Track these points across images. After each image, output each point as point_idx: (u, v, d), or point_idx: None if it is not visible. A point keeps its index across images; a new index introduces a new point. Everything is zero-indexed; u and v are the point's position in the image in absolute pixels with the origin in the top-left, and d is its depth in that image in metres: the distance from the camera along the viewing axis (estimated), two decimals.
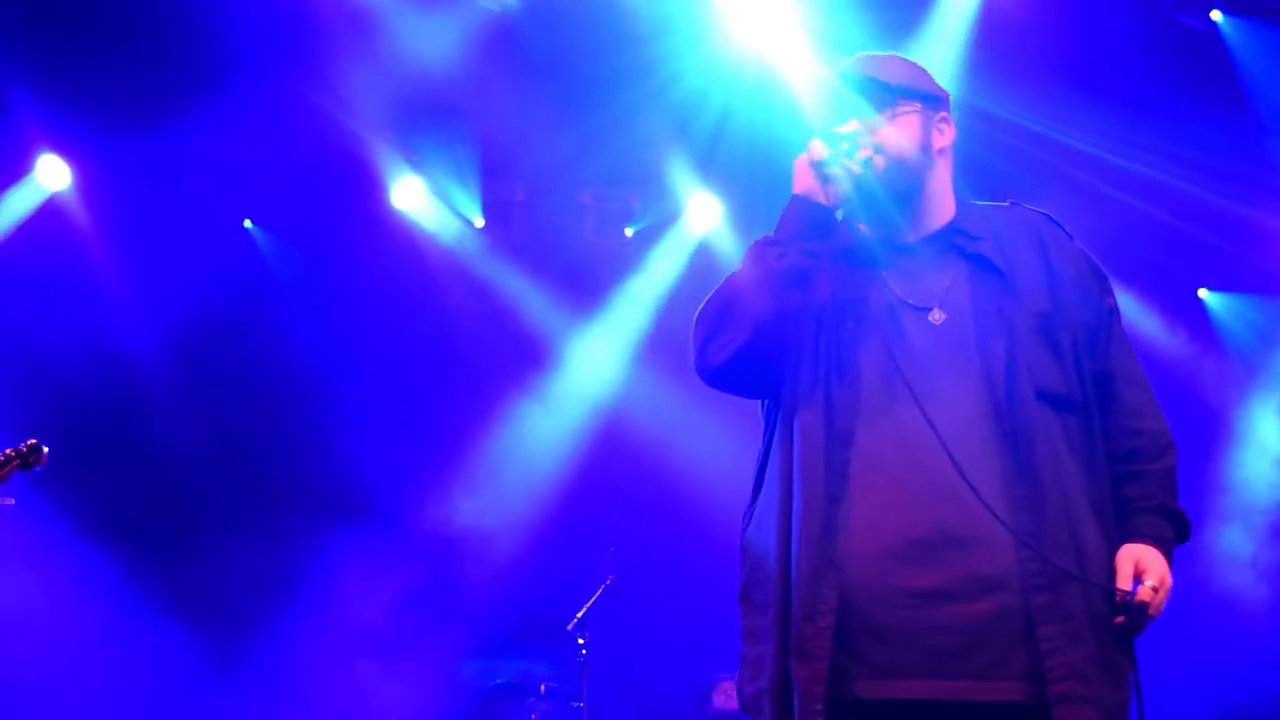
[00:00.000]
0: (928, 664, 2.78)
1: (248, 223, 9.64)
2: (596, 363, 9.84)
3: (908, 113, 3.18)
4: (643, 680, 8.90)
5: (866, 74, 3.20)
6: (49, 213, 9.09)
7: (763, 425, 3.22)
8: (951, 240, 3.15)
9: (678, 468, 9.49)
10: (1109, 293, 3.22)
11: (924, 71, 3.31)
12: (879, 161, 3.11)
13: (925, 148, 3.19)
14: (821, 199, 3.11)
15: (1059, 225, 3.27)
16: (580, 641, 7.46)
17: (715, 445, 9.43)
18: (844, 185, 3.12)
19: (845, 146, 3.11)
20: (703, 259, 9.87)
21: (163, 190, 9.00)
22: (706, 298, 3.19)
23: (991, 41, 8.37)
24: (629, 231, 9.93)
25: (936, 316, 3.03)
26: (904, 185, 3.15)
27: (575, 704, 7.36)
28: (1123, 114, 8.53)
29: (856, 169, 3.10)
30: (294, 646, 9.09)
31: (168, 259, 9.13)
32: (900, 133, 3.16)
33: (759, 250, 3.13)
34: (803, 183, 3.14)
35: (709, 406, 9.55)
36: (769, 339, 3.04)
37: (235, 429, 9.53)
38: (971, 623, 2.78)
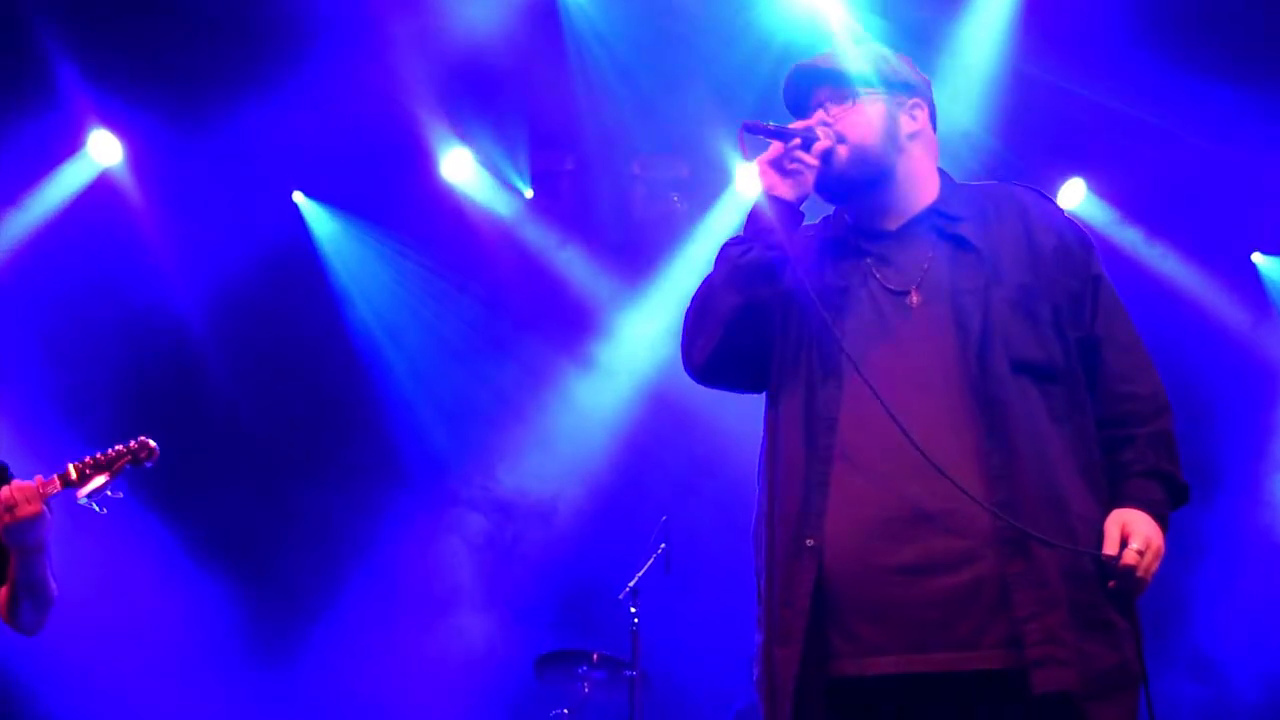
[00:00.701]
0: (911, 638, 2.83)
1: (297, 195, 9.67)
2: (647, 332, 9.83)
3: (869, 102, 3.24)
4: (695, 649, 8.92)
5: (822, 66, 3.30)
6: (101, 187, 9.15)
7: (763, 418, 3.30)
8: (932, 222, 3.20)
9: (729, 436, 9.47)
10: (1094, 260, 3.21)
11: (894, 59, 3.35)
12: (841, 152, 3.20)
13: (891, 134, 3.25)
14: (784, 194, 3.18)
15: (1045, 197, 3.31)
16: (632, 610, 7.47)
17: None
18: (807, 178, 3.19)
19: (798, 141, 3.18)
20: None
21: (213, 164, 9.04)
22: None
23: (1041, 5, 8.30)
24: (678, 200, 9.89)
25: (914, 299, 3.08)
26: (872, 173, 3.23)
27: (628, 673, 7.37)
28: (1175, 76, 8.43)
29: (814, 162, 3.18)
30: (345, 614, 9.18)
31: (218, 232, 9.18)
32: (861, 121, 3.23)
33: (725, 249, 3.24)
34: (765, 180, 3.19)
35: None
36: (741, 334, 3.16)
37: (286, 400, 9.58)
38: (951, 594, 2.82)
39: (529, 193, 9.79)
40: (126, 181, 9.20)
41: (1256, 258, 9.77)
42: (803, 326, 3.15)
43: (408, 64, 8.80)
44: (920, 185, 3.27)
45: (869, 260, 3.18)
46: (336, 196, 9.71)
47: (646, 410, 9.81)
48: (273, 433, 9.51)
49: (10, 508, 4.19)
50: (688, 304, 3.31)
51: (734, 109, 9.04)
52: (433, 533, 9.56)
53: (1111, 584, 2.91)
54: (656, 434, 9.71)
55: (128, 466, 4.46)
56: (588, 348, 9.88)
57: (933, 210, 3.23)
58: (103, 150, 9.05)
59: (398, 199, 9.71)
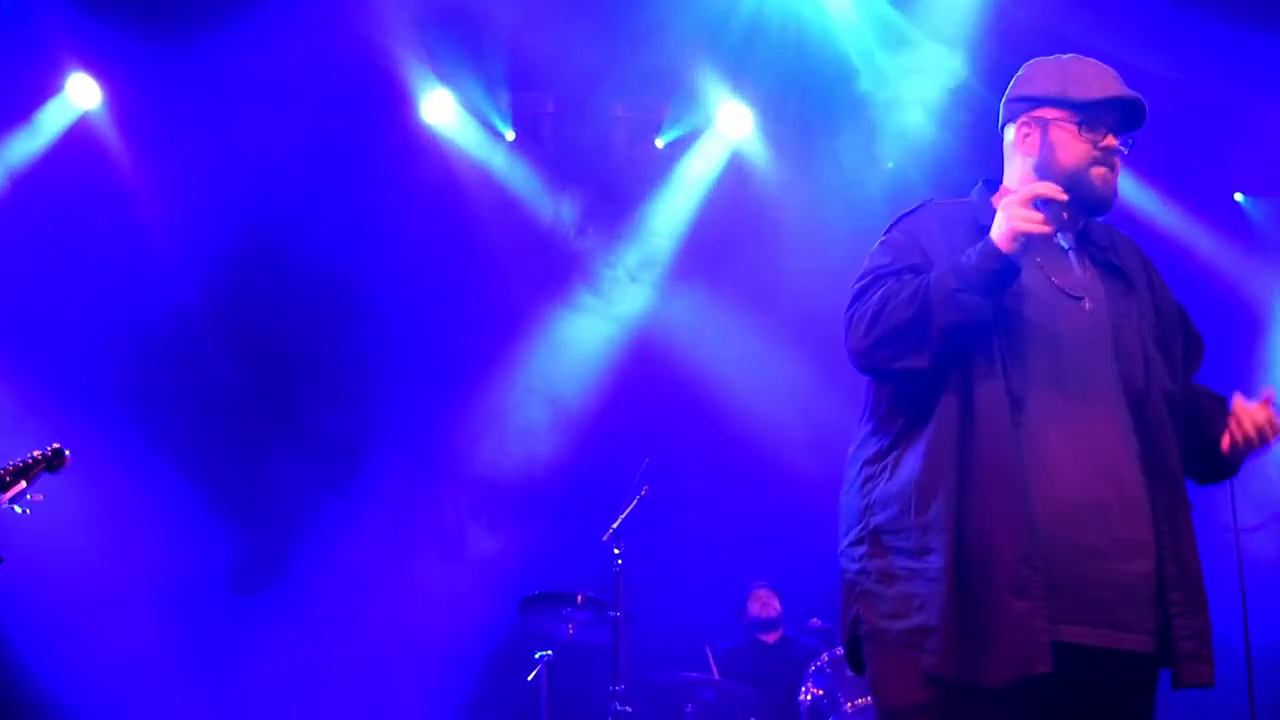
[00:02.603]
0: (1086, 613, 3.11)
1: (281, 139, 9.61)
2: (629, 273, 9.83)
3: None
4: (678, 590, 8.97)
5: (1139, 103, 3.42)
6: (80, 131, 9.09)
7: (876, 389, 3.41)
8: (1085, 246, 3.47)
9: (711, 379, 9.50)
10: (1192, 322, 3.62)
11: None
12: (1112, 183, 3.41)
13: None
14: (1016, 253, 3.15)
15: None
16: (616, 551, 7.49)
17: (748, 357, 9.43)
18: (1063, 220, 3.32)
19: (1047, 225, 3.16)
20: (734, 168, 9.83)
21: (192, 107, 8.98)
22: (866, 287, 3.32)
23: None
24: (660, 142, 9.87)
25: (1087, 305, 3.35)
26: (1111, 205, 3.45)
27: (612, 613, 7.40)
28: (1159, 14, 8.41)
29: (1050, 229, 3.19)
30: (330, 557, 9.20)
31: (198, 176, 9.13)
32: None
33: (953, 294, 3.16)
34: (1008, 241, 3.14)
35: (743, 317, 9.56)
36: (943, 366, 3.22)
37: (267, 343, 9.57)
38: (1122, 581, 3.13)
39: (510, 135, 9.75)
40: (105, 125, 9.14)
41: (1238, 197, 9.79)
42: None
43: (389, 6, 8.75)
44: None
45: (1039, 259, 3.35)
46: (317, 139, 9.65)
47: (628, 353, 9.82)
48: (256, 376, 9.49)
49: None
50: (882, 296, 3.25)
51: (716, 50, 9.03)
52: (416, 474, 9.58)
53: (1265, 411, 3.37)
54: (638, 376, 9.72)
55: (43, 472, 4.76)
56: (569, 290, 9.87)
57: (1084, 235, 3.48)
58: (81, 93, 8.99)
59: (378, 141, 9.66)
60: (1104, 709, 3.20)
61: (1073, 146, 3.36)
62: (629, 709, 7.14)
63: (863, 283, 3.34)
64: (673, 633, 8.82)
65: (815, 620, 8.29)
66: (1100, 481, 3.16)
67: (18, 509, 4.72)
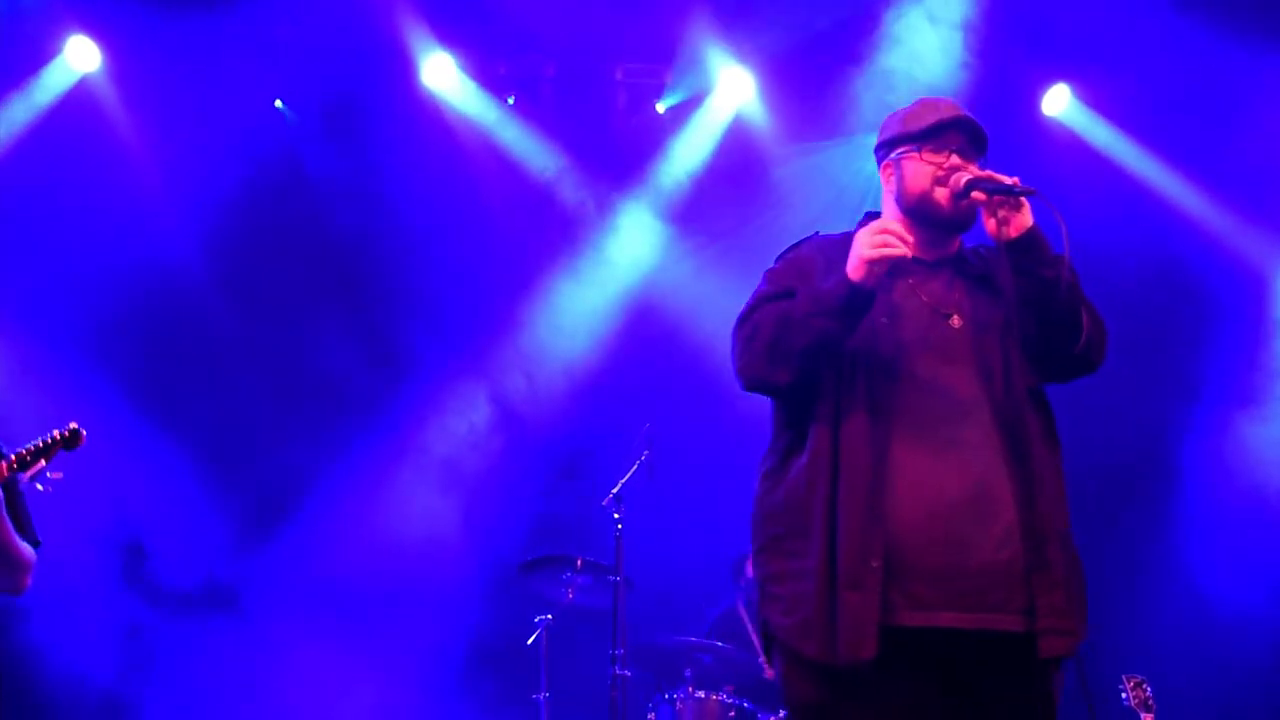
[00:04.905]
0: (955, 599, 3.50)
1: (278, 103, 9.59)
2: (630, 239, 9.81)
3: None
4: (678, 553, 8.98)
5: (968, 121, 3.80)
6: (79, 95, 9.06)
7: (774, 406, 3.87)
8: (960, 266, 3.88)
9: (712, 342, 9.48)
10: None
11: None
12: (978, 197, 3.68)
13: None
14: (871, 283, 3.57)
15: None
16: (616, 516, 7.50)
17: None
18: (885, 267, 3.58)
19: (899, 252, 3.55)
20: (736, 134, 9.81)
21: (193, 71, 8.95)
22: (749, 312, 3.83)
23: None
24: (661, 107, 9.84)
25: (956, 321, 3.75)
26: (969, 221, 3.79)
27: (611, 578, 7.41)
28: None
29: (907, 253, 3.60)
30: (329, 520, 9.23)
31: (198, 140, 9.11)
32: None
33: (808, 318, 3.62)
34: (859, 270, 3.56)
35: (744, 281, 9.54)
36: (804, 383, 3.68)
37: (268, 304, 9.57)
38: (989, 569, 3.51)
39: (510, 99, 9.73)
40: (105, 89, 9.11)
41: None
42: (860, 332, 3.65)
43: None
44: (958, 237, 3.92)
45: (913, 280, 3.79)
46: (318, 104, 9.63)
47: (630, 317, 9.82)
48: (256, 336, 9.51)
49: None
50: (757, 319, 3.75)
51: (717, 14, 9.00)
52: (416, 435, 9.59)
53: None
54: (639, 341, 9.73)
55: (61, 451, 5.13)
56: (570, 254, 9.86)
57: (959, 256, 3.90)
58: (81, 57, 8.95)
59: (379, 105, 9.64)
60: (988, 685, 3.55)
61: (918, 172, 3.78)
62: (628, 673, 7.16)
63: (746, 308, 3.85)
64: (671, 596, 8.85)
65: None
66: (963, 482, 3.52)
67: (40, 486, 5.10)
